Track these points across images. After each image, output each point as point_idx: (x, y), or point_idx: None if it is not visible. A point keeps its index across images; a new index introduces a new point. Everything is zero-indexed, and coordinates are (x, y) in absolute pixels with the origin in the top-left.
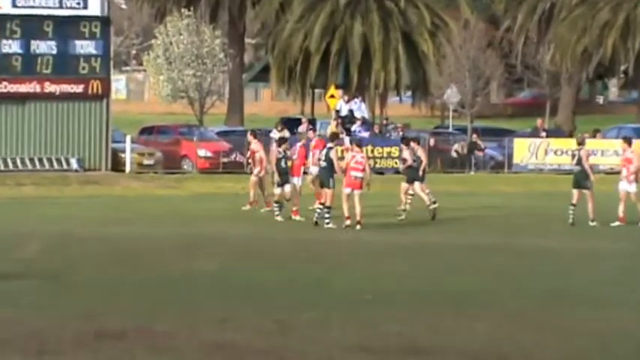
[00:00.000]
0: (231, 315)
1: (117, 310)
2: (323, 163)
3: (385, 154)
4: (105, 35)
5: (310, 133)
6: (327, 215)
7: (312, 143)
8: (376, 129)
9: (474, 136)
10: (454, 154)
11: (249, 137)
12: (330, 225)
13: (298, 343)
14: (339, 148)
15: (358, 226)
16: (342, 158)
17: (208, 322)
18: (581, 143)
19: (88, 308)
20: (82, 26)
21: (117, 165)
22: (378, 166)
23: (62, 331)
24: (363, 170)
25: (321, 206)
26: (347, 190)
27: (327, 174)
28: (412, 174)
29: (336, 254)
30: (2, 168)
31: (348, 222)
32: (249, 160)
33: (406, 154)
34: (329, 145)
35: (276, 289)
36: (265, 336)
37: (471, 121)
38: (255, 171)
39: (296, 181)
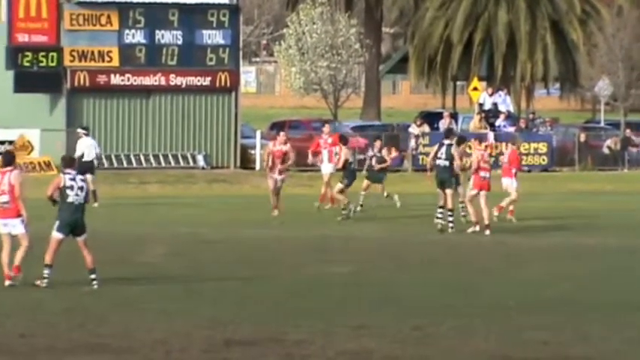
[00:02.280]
0: (367, 322)
1: (247, 317)
2: (444, 162)
3: (532, 151)
4: (234, 24)
5: (325, 128)
6: (450, 219)
7: (329, 140)
8: (522, 124)
9: (628, 131)
10: (606, 151)
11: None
12: (452, 229)
13: (438, 352)
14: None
15: (487, 231)
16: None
17: (344, 329)
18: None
19: (216, 315)
20: (210, 15)
21: (246, 162)
22: (524, 163)
23: (189, 338)
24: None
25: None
26: (474, 192)
27: (449, 173)
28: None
29: (477, 259)
30: (126, 165)
31: (477, 227)
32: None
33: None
34: (447, 141)
35: (414, 294)
36: (404, 344)
37: (624, 115)
38: None
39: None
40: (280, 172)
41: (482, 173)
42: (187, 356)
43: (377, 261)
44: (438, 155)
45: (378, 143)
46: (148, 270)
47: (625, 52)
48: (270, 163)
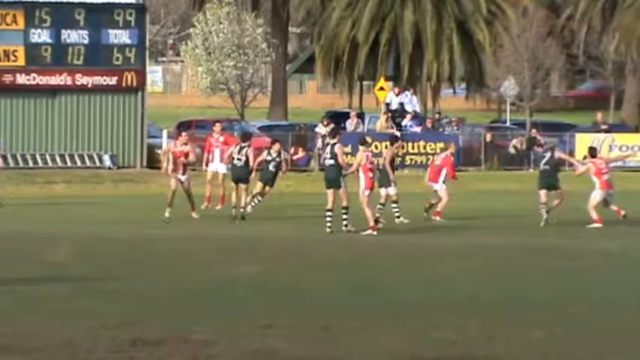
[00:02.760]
0: (273, 322)
1: (153, 316)
2: (329, 161)
3: (439, 150)
4: (140, 24)
5: (216, 127)
6: (345, 217)
7: (221, 139)
8: (429, 123)
9: (533, 131)
10: (512, 150)
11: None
12: (349, 228)
13: (346, 352)
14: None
15: (369, 231)
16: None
17: (250, 329)
18: (552, 148)
19: (123, 315)
20: (116, 14)
21: (152, 162)
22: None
23: (96, 338)
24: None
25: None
26: (367, 192)
27: (335, 172)
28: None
29: (383, 258)
30: (32, 165)
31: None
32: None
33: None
34: (332, 141)
35: (321, 294)
36: (310, 344)
37: (529, 114)
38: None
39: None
40: (184, 172)
41: (370, 174)
42: (94, 356)
43: (283, 261)
44: (325, 155)
45: (276, 146)
46: (54, 269)
47: (530, 52)
48: (171, 164)
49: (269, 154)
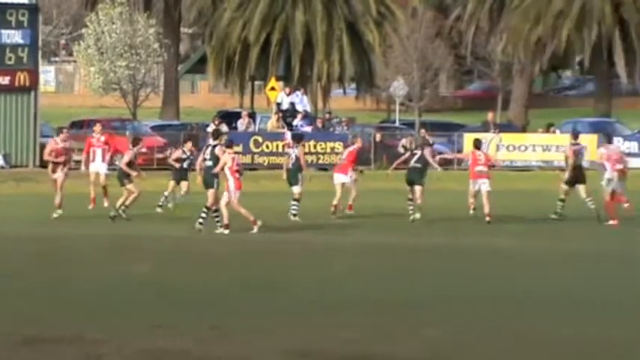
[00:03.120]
0: (165, 321)
1: (46, 315)
2: (209, 163)
3: (329, 150)
4: (32, 24)
5: (97, 127)
6: (217, 219)
7: (102, 139)
8: (319, 123)
9: (422, 130)
10: (401, 150)
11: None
12: (222, 230)
13: (235, 349)
14: (281, 143)
15: (227, 230)
16: (284, 154)
17: (141, 328)
18: (423, 144)
19: (15, 313)
20: (9, 14)
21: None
22: (321, 162)
23: None
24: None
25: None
26: (237, 193)
27: (211, 174)
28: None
29: (275, 257)
30: None
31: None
32: None
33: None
34: (213, 142)
35: (214, 293)
36: (201, 343)
37: (418, 114)
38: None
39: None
40: (63, 169)
41: (237, 175)
42: None
43: (175, 260)
44: (204, 156)
45: (189, 145)
46: None
47: (419, 53)
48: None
49: (183, 152)
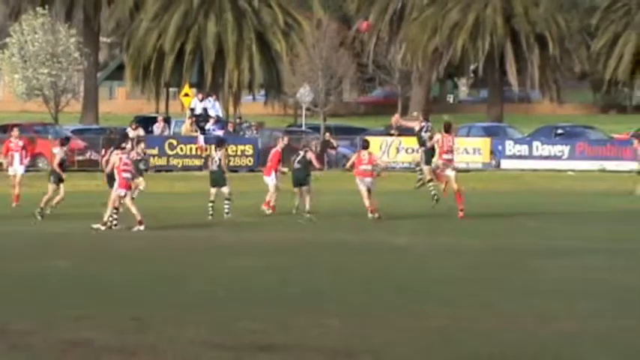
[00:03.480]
0: (86, 313)
1: None
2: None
3: (239, 152)
4: None
5: (14, 132)
6: (115, 216)
7: (20, 143)
8: (230, 127)
9: (327, 134)
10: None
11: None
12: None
13: (153, 340)
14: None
15: (140, 227)
16: (197, 157)
17: (64, 320)
18: (305, 146)
19: None
20: None
21: None
22: (232, 164)
23: None
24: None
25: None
26: (122, 192)
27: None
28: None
29: (186, 252)
30: None
31: (141, 227)
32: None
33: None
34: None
35: (131, 287)
36: (121, 334)
37: (324, 119)
38: None
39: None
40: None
41: (123, 174)
42: None
43: (92, 255)
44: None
45: (142, 145)
46: None
47: (324, 61)
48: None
49: (137, 153)
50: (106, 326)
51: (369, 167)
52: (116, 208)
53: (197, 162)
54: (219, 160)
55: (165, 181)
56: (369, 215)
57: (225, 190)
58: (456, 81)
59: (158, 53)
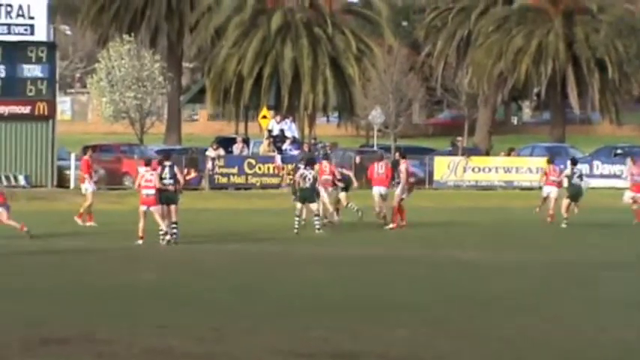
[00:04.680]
0: (169, 322)
1: (61, 317)
2: (169, 181)
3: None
4: (51, 59)
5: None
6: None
7: None
8: (305, 147)
9: (397, 154)
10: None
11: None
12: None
13: (231, 349)
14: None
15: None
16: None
17: (148, 328)
18: (309, 162)
19: (32, 316)
20: (29, 51)
21: (62, 181)
22: None
23: (8, 337)
24: (155, 187)
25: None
26: (143, 208)
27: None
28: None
29: (266, 265)
30: None
31: (140, 242)
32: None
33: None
34: (169, 163)
35: (211, 298)
36: (201, 342)
37: (394, 140)
38: None
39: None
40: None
41: (144, 191)
42: (7, 353)
43: (178, 268)
44: (162, 176)
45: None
46: None
47: (395, 85)
48: None
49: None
50: (187, 335)
51: (330, 178)
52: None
53: (274, 180)
54: (313, 178)
55: (244, 199)
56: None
57: (313, 206)
58: (520, 103)
59: (238, 77)
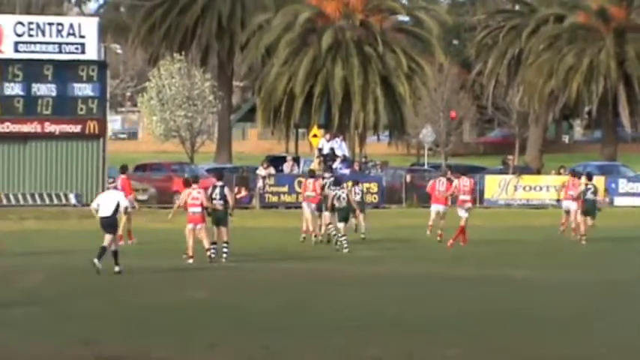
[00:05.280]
0: (220, 340)
1: (113, 336)
2: (219, 202)
3: (365, 190)
4: (101, 78)
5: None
6: (225, 250)
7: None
8: (356, 166)
9: (448, 172)
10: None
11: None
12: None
13: None
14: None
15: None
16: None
17: (199, 347)
18: (339, 183)
19: (86, 335)
20: (80, 70)
21: None
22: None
23: (61, 356)
24: (201, 205)
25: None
26: (189, 226)
27: (224, 212)
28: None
29: (315, 283)
30: (5, 203)
31: (191, 260)
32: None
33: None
34: (219, 183)
35: (261, 316)
36: None
37: (445, 158)
38: None
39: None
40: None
41: (190, 209)
42: None
43: (227, 287)
44: (213, 196)
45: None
46: (25, 295)
47: (445, 103)
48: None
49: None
50: (238, 354)
51: (313, 194)
52: (214, 242)
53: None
54: (347, 197)
55: (294, 218)
56: (301, 237)
57: (341, 225)
58: (571, 122)
59: (288, 96)
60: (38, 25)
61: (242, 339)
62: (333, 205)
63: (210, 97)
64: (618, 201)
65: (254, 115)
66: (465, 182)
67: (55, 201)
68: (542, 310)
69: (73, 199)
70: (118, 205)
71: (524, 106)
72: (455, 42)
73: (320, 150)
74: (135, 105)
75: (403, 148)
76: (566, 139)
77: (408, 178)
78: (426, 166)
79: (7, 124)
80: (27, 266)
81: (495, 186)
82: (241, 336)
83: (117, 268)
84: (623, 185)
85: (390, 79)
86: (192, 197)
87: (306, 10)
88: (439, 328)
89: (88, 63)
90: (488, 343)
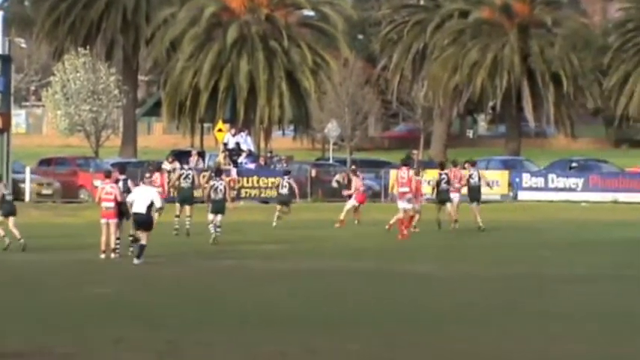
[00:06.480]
0: (125, 335)
1: (14, 331)
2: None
3: (270, 185)
4: (5, 72)
5: None
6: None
7: None
8: (262, 161)
9: (353, 167)
10: (335, 185)
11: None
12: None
13: None
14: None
15: (113, 255)
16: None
17: (104, 343)
18: (219, 173)
19: None
20: None
21: (17, 194)
22: (263, 195)
23: None
24: (115, 200)
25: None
26: (103, 221)
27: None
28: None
29: (222, 279)
30: None
31: (103, 255)
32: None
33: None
34: (122, 177)
35: (165, 311)
36: (159, 356)
37: (350, 153)
38: None
39: None
40: None
41: (104, 204)
42: None
43: (132, 283)
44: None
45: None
46: None
47: (350, 98)
48: None
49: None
50: (144, 349)
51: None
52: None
53: (231, 193)
54: (224, 188)
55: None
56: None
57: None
58: (475, 117)
59: (193, 91)
60: None
61: (147, 334)
62: (209, 195)
63: (116, 91)
64: (522, 195)
65: (159, 109)
66: (402, 174)
67: None
68: (443, 305)
69: None
70: (151, 204)
71: (428, 101)
72: (360, 37)
73: (225, 145)
74: (39, 99)
75: (308, 143)
76: (470, 133)
77: (314, 172)
78: (331, 161)
79: None
80: None
81: None
82: (146, 331)
83: (136, 261)
84: (527, 180)
85: (295, 74)
86: (106, 192)
87: (211, 4)
88: (340, 323)
89: None
90: (389, 338)
